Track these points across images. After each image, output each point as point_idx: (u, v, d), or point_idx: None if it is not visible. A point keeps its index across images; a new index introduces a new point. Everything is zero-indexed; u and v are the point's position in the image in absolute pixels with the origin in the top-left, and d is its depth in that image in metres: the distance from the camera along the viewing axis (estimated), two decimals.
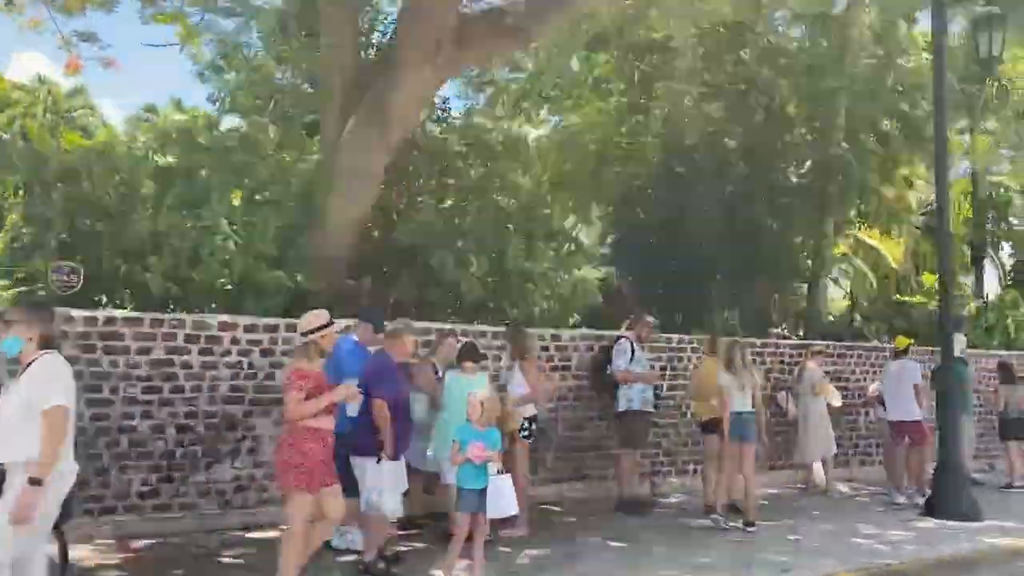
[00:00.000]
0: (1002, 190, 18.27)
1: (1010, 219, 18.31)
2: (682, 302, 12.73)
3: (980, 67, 10.67)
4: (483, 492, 6.01)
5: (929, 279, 18.86)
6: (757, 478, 11.09)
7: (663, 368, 10.43)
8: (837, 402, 11.10)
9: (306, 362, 5.60)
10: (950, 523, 9.01)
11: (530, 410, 7.85)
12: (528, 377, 7.80)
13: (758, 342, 11.39)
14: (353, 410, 6.38)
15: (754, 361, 11.16)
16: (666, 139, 13.47)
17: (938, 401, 9.73)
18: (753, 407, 8.52)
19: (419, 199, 9.20)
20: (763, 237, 12.23)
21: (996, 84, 16.03)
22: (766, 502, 10.08)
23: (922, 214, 23.15)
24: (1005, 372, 11.87)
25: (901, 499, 10.18)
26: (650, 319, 9.68)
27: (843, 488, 11.23)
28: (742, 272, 12.28)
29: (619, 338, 9.42)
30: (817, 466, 11.07)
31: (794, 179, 12.99)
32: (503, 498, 6.04)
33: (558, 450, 9.54)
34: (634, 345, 9.27)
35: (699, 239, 12.28)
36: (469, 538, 6.08)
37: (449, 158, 9.29)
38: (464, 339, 8.01)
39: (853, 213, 14.80)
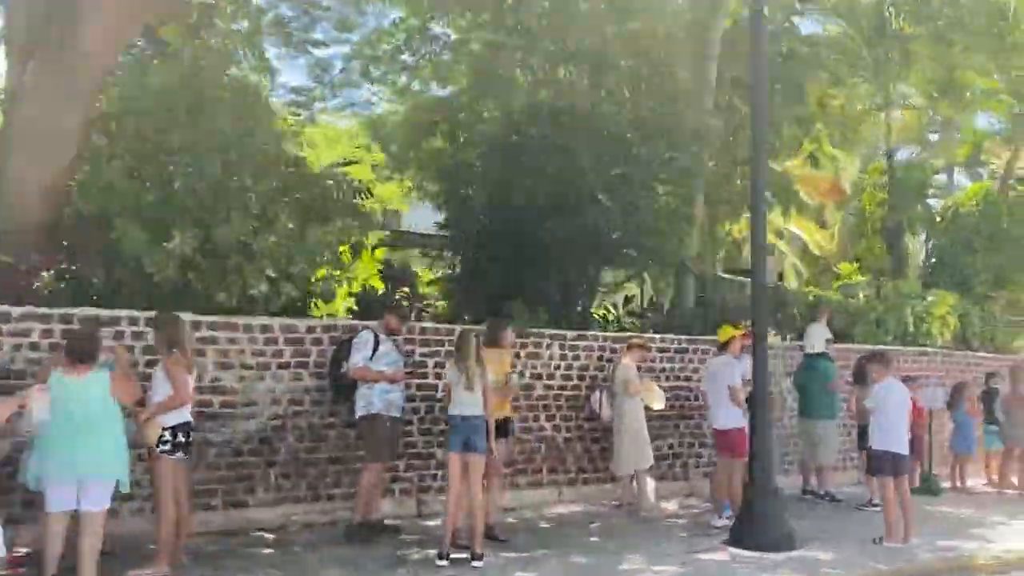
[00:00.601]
0: (922, 173, 16.53)
1: (928, 202, 16.60)
2: (515, 288, 11.12)
3: None
4: None
5: (846, 268, 17.22)
6: (565, 493, 9.59)
7: (442, 364, 8.80)
8: (658, 404, 9.48)
9: None
10: (747, 554, 7.41)
11: (177, 416, 6.23)
12: (174, 376, 6.19)
13: (569, 334, 9.74)
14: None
15: (569, 356, 9.67)
16: (504, 108, 11.83)
17: (750, 403, 8.11)
18: (485, 410, 6.90)
19: (113, 160, 7.57)
20: (596, 215, 10.59)
21: (900, 47, 14.34)
22: (548, 525, 8.48)
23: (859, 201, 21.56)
24: (859, 370, 10.18)
25: (720, 522, 8.55)
26: (405, 305, 8.11)
27: (668, 506, 9.61)
28: (572, 254, 10.64)
29: (362, 329, 7.85)
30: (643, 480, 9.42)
31: (642, 150, 11.30)
32: None
33: (288, 464, 7.92)
34: (379, 337, 7.68)
35: (528, 219, 10.67)
36: None
37: (152, 115, 7.64)
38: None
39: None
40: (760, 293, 8.10)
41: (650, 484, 9.37)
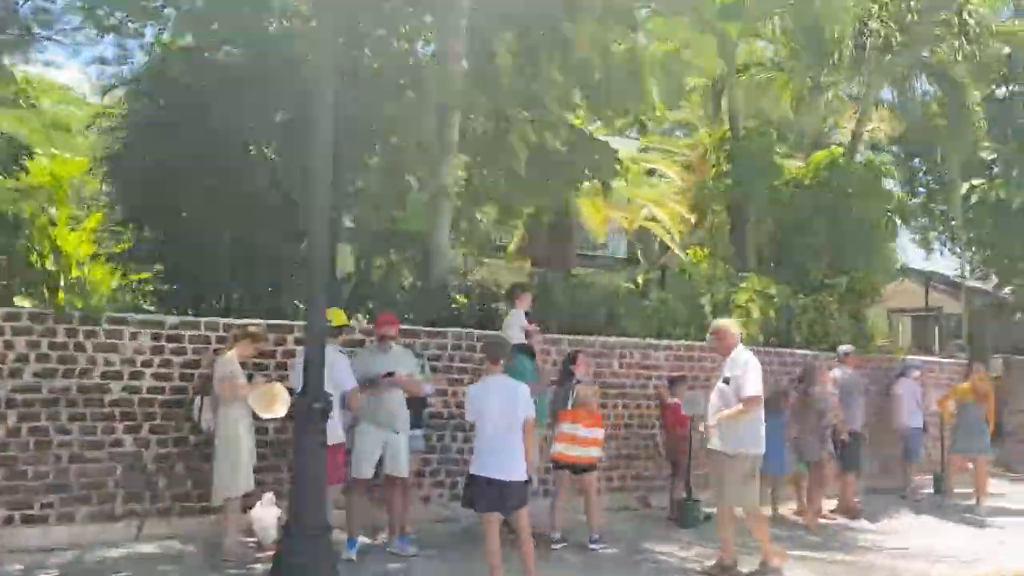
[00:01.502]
0: (764, 139, 14.09)
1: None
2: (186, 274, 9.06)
3: None
4: None
5: (695, 254, 14.95)
6: (150, 527, 7.39)
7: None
8: (271, 412, 7.29)
9: None
10: None
11: None
12: None
13: (170, 320, 7.58)
14: None
15: (167, 349, 7.54)
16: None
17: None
18: None
19: None
20: (243, 171, 8.50)
21: None
22: None
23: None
24: (564, 369, 8.01)
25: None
26: None
27: None
28: (227, 222, 8.53)
29: None
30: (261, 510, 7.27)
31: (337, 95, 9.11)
32: None
33: None
34: None
35: (180, 191, 8.64)
36: None
37: None
38: None
39: None
40: (315, 279, 5.97)
41: (269, 514, 7.23)
